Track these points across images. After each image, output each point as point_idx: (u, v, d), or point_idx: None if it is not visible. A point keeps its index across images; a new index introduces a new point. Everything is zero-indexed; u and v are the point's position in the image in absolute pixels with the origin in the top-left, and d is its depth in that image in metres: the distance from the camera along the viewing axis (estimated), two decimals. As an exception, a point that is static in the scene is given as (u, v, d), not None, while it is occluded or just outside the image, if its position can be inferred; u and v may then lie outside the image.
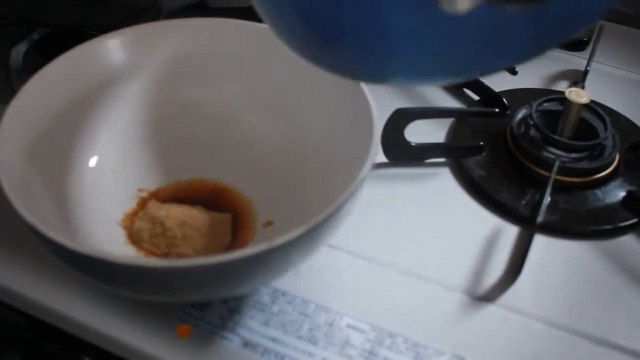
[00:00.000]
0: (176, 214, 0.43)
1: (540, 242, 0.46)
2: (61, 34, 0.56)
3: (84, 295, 0.41)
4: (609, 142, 0.52)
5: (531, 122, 0.52)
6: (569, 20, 0.24)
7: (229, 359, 0.39)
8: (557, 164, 0.49)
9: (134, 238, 0.43)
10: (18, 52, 0.54)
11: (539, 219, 0.46)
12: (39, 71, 0.43)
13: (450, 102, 0.59)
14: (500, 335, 0.41)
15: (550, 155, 0.50)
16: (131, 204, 0.45)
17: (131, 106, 0.48)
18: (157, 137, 0.48)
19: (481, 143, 0.51)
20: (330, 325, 0.40)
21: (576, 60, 0.64)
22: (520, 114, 0.54)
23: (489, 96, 0.57)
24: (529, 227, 0.47)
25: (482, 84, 0.58)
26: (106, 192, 0.45)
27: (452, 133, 0.55)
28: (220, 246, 0.43)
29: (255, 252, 0.32)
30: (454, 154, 0.52)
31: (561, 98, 0.53)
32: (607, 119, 0.52)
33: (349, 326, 0.40)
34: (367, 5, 0.23)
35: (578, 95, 0.51)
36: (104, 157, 0.46)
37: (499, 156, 0.52)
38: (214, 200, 0.46)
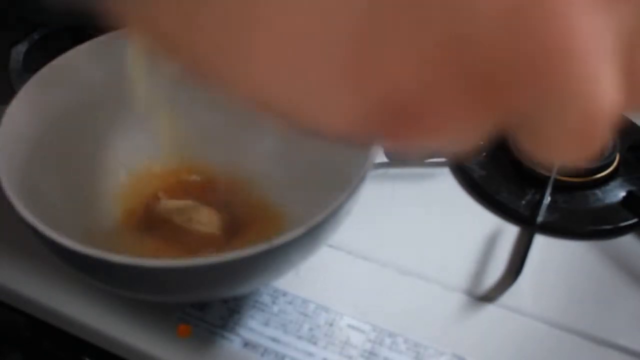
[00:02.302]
0: (184, 210, 0.43)
1: (540, 242, 0.46)
2: (61, 34, 0.56)
3: (84, 295, 0.41)
4: (609, 142, 0.52)
5: (531, 122, 0.52)
6: None
7: (229, 359, 0.39)
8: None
9: (138, 237, 0.43)
10: (18, 52, 0.54)
11: (539, 219, 0.46)
12: (40, 71, 0.43)
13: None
14: (500, 335, 0.41)
15: (550, 155, 0.50)
16: (134, 203, 0.45)
17: (133, 105, 0.48)
18: (162, 135, 0.48)
19: (481, 143, 0.51)
20: (331, 325, 0.40)
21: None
22: (520, 114, 0.54)
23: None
24: (529, 227, 0.47)
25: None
26: (108, 192, 0.45)
27: (452, 133, 0.55)
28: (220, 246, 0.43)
29: (255, 252, 0.32)
30: (454, 154, 0.52)
31: (561, 98, 0.53)
32: (607, 119, 0.52)
33: (349, 326, 0.40)
34: None
35: (578, 95, 0.51)
36: (105, 156, 0.46)
37: (499, 156, 0.52)
38: (213, 195, 0.46)
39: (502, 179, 0.50)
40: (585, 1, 0.13)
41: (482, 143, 0.15)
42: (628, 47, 0.14)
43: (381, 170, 0.51)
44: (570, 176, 0.50)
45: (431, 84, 0.13)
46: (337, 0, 0.13)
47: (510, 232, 0.47)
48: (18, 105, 0.40)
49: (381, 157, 0.50)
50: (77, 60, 0.45)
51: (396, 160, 0.51)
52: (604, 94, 0.14)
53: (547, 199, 0.47)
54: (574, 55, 0.13)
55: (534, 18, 0.12)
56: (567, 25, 0.12)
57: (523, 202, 0.49)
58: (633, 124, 0.57)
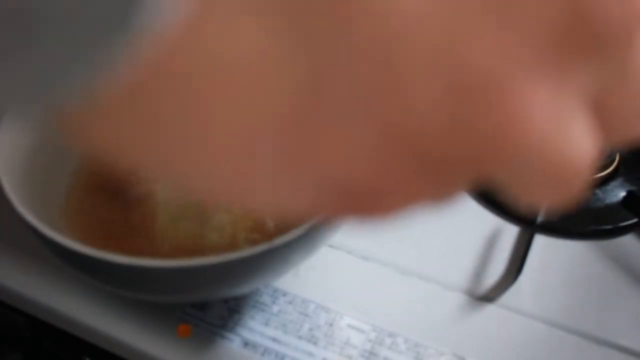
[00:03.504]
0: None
1: (540, 242, 0.46)
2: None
3: (84, 295, 0.41)
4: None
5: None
6: None
7: (229, 359, 0.39)
8: (557, 164, 0.49)
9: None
10: (18, 52, 0.54)
11: (539, 219, 0.46)
12: (39, 71, 0.43)
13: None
14: (500, 335, 0.41)
15: (550, 155, 0.50)
16: (137, 203, 0.45)
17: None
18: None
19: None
20: (331, 325, 0.40)
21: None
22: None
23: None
24: (529, 227, 0.47)
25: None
26: (111, 192, 0.45)
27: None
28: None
29: (255, 252, 0.32)
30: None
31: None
32: (607, 119, 0.52)
33: (349, 326, 0.40)
34: None
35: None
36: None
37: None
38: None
39: (502, 179, 0.50)
40: (529, 69, 0.12)
41: (460, 194, 0.15)
42: (596, 96, 0.14)
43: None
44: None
45: (380, 165, 0.13)
46: (267, 97, 0.12)
47: (510, 232, 0.47)
48: (18, 105, 0.40)
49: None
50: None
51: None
52: (573, 145, 0.13)
53: (547, 199, 0.47)
54: (529, 123, 0.12)
55: (476, 98, 0.12)
56: (513, 97, 0.12)
57: (523, 202, 0.49)
58: (633, 124, 0.57)
